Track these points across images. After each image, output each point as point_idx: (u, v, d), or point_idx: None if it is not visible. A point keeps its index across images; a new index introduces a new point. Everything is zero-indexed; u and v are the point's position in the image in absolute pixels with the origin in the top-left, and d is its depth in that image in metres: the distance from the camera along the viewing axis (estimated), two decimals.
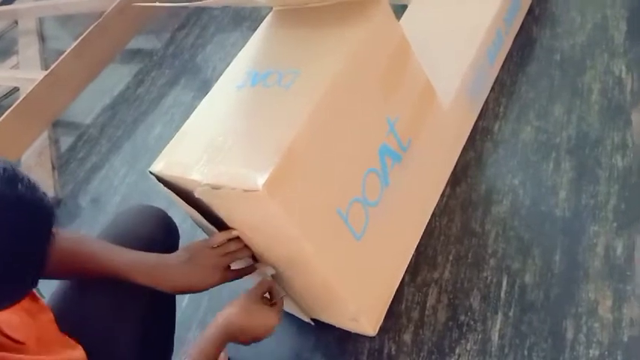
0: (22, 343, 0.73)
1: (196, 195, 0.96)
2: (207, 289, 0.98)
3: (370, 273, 1.12)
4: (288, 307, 1.24)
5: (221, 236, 1.00)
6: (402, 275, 1.21)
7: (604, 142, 1.27)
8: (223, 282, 0.99)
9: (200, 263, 0.96)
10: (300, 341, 1.23)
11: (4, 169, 0.57)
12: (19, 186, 0.57)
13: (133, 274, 0.92)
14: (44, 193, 0.61)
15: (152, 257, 0.95)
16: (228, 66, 1.17)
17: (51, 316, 0.85)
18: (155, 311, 0.99)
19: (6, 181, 0.56)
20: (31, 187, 0.59)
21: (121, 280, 0.92)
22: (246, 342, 0.97)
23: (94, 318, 0.92)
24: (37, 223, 0.59)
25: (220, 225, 1.02)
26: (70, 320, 0.87)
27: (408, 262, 1.23)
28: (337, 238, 1.03)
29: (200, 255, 0.97)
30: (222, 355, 1.25)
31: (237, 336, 0.95)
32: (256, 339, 0.97)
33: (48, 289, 0.99)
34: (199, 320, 1.35)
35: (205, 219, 1.02)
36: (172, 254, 0.98)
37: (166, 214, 1.08)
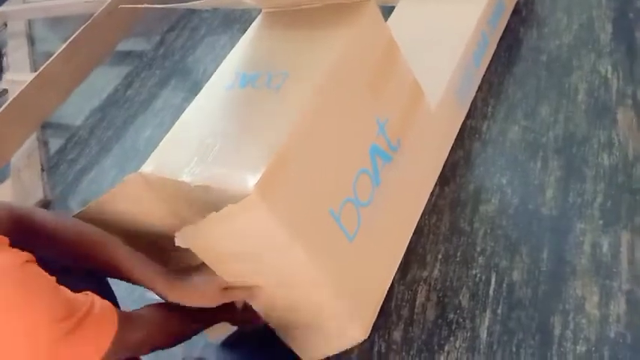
0: None
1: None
2: None
3: (362, 275, 1.11)
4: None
5: None
6: (393, 277, 1.21)
7: (590, 141, 1.28)
8: None
9: None
10: None
11: None
12: None
13: None
14: None
15: None
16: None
17: None
18: None
19: None
20: None
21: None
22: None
23: None
24: None
25: None
26: None
27: (399, 263, 1.23)
28: (330, 239, 1.01)
29: None
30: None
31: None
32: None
33: None
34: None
35: None
36: None
37: None
